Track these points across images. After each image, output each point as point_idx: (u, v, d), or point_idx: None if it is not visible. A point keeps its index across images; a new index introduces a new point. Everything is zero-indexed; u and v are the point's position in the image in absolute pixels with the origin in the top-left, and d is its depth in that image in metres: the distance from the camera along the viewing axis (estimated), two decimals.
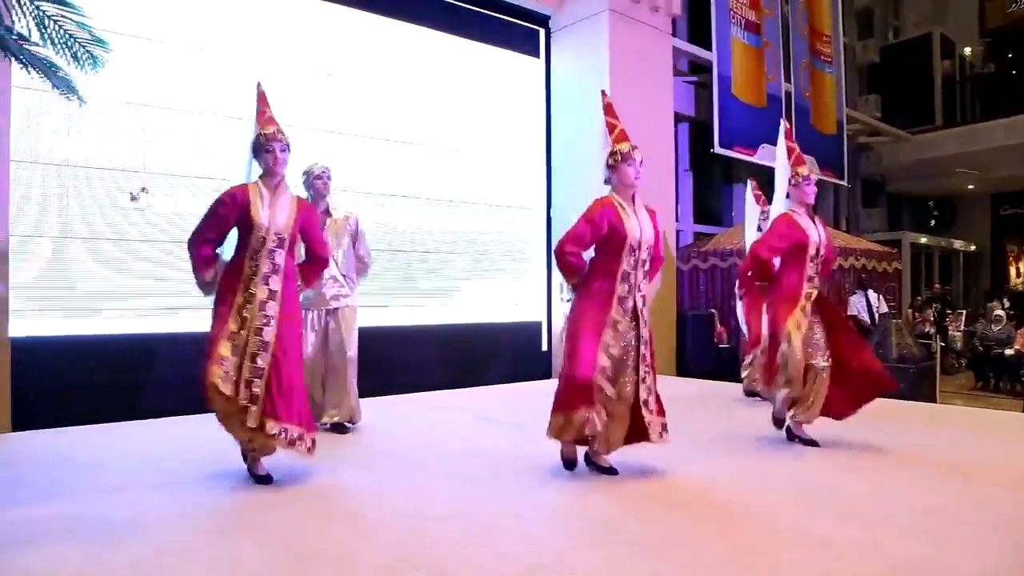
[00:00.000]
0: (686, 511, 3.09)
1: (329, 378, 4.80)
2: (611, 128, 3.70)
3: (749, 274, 4.61)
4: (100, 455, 4.10)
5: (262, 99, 3.69)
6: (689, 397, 6.39)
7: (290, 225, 3.56)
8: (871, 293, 9.90)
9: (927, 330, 12.15)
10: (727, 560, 2.51)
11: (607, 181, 3.65)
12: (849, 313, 9.82)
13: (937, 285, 17.22)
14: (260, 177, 3.61)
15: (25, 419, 4.88)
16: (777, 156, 4.65)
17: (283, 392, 3.42)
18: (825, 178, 13.16)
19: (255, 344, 3.39)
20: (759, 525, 2.90)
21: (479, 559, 2.54)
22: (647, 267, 3.64)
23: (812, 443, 4.35)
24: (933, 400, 7.90)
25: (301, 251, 3.97)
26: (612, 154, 3.61)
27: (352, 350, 4.83)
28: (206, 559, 2.53)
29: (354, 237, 4.92)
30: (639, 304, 3.59)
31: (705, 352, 8.76)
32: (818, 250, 4.34)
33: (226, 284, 3.49)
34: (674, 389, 7.03)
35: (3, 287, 4.92)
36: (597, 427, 3.49)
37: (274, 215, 3.51)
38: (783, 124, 4.83)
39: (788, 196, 4.48)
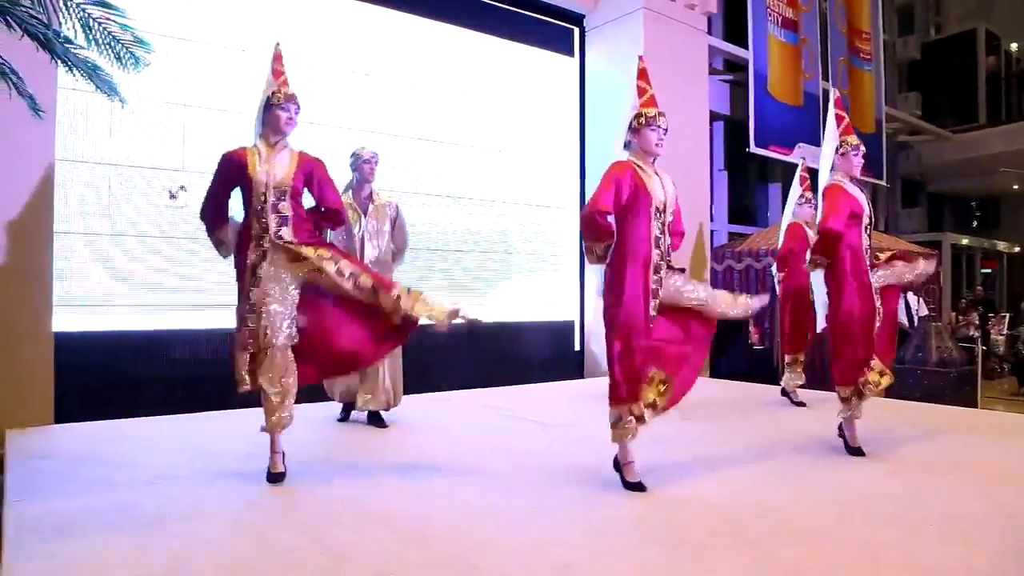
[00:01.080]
0: (719, 516, 3.06)
1: None
2: (642, 92, 3.56)
3: (813, 257, 4.29)
4: (141, 448, 4.18)
5: (278, 59, 3.66)
6: (723, 400, 6.33)
7: (290, 176, 3.52)
8: (910, 295, 9.70)
9: (969, 333, 11.89)
10: (762, 567, 2.48)
11: (627, 145, 3.53)
12: None
13: (979, 287, 16.85)
14: (260, 136, 3.60)
15: (67, 412, 4.99)
16: (827, 126, 4.50)
17: (326, 346, 3.47)
18: (863, 178, 12.95)
19: (274, 311, 3.38)
20: (795, 531, 2.86)
21: (511, 559, 2.54)
22: (672, 232, 3.54)
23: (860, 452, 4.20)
24: (974, 405, 7.72)
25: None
26: (637, 116, 3.48)
27: None
28: (242, 553, 2.56)
29: (393, 223, 4.98)
30: (666, 269, 3.43)
31: (739, 353, 8.68)
32: (871, 219, 4.22)
33: (239, 244, 3.52)
34: (708, 391, 6.97)
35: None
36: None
37: (272, 169, 3.48)
38: (833, 92, 4.67)
39: (833, 168, 4.34)
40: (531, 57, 8.46)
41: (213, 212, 3.56)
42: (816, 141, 11.15)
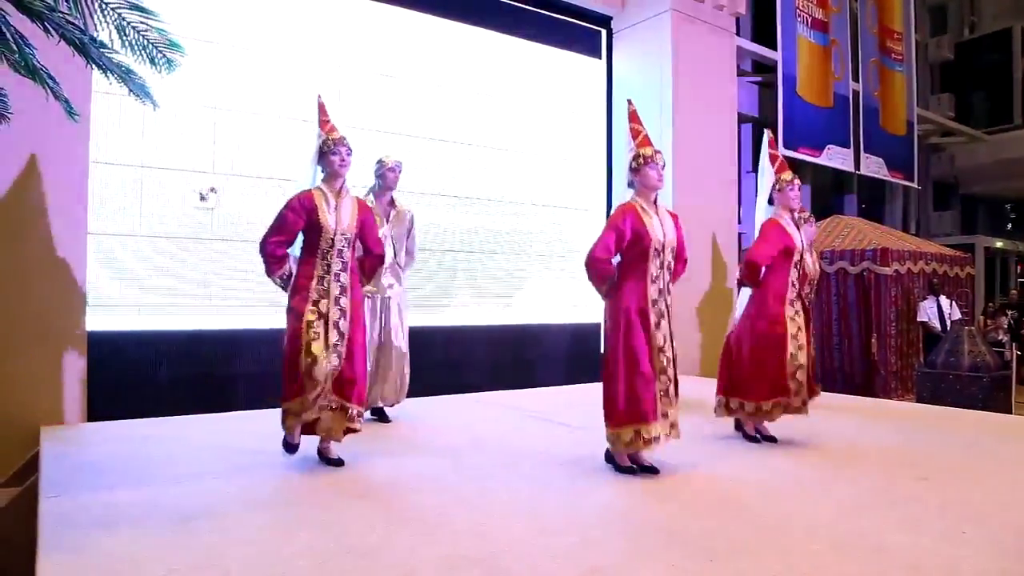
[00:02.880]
0: (745, 517, 3.03)
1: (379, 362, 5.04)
2: (635, 133, 3.85)
3: (740, 280, 4.78)
4: (172, 446, 4.24)
5: (322, 110, 3.98)
6: None
7: (353, 225, 3.86)
8: (943, 299, 9.56)
9: (1001, 338, 11.67)
10: (790, 570, 2.46)
11: (630, 184, 3.80)
12: (919, 319, 9.51)
13: (1014, 291, 16.52)
14: (323, 181, 3.88)
15: (100, 411, 5.07)
16: (761, 165, 4.75)
17: (353, 376, 3.75)
18: (894, 180, 12.78)
19: (334, 335, 3.69)
20: (822, 534, 2.82)
21: (538, 559, 2.54)
22: (671, 270, 3.80)
23: (771, 439, 4.49)
24: (1008, 411, 7.58)
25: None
26: (635, 157, 3.75)
27: (401, 336, 5.08)
28: (270, 551, 2.59)
29: (408, 230, 5.16)
30: (668, 305, 3.76)
31: None
32: (801, 255, 4.52)
33: (301, 283, 3.74)
34: None
35: None
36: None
37: (340, 217, 3.80)
38: (767, 134, 4.94)
39: (771, 202, 4.62)
40: (558, 59, 8.46)
41: (282, 251, 3.81)
42: (847, 143, 11.06)
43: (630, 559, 2.56)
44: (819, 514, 3.11)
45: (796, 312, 4.45)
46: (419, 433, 4.83)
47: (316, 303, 3.69)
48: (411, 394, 5.30)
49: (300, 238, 3.82)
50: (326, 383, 3.65)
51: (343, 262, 3.79)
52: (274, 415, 3.83)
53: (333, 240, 3.75)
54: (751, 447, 4.41)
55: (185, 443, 4.32)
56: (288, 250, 3.82)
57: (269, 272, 3.82)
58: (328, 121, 3.94)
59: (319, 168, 3.91)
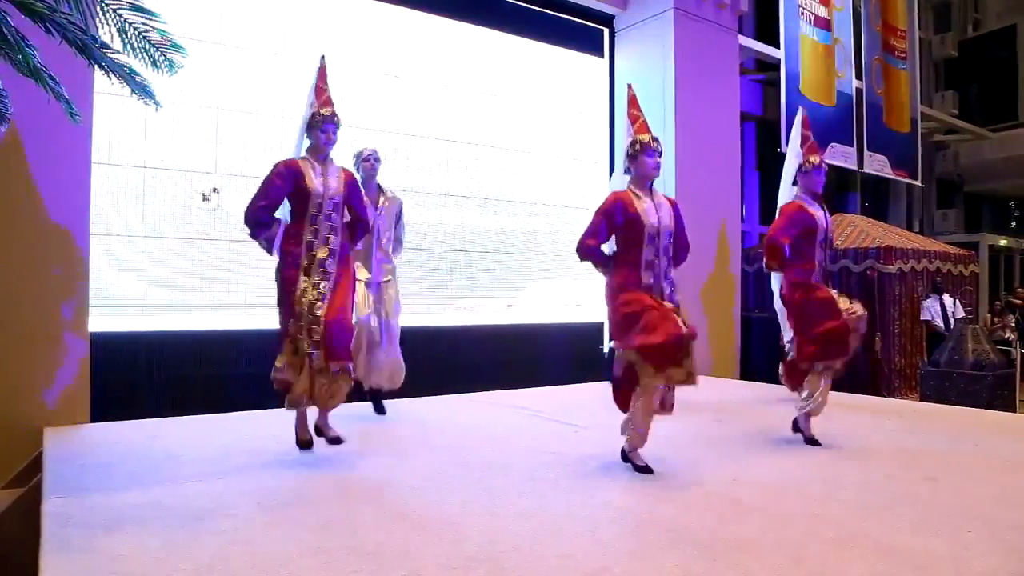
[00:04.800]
0: (752, 516, 3.02)
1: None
2: (634, 119, 3.83)
3: (765, 264, 4.72)
4: (177, 447, 4.23)
5: (321, 75, 3.97)
6: (753, 400, 6.26)
7: (341, 189, 3.92)
8: (946, 297, 9.53)
9: (1006, 336, 11.63)
10: (798, 570, 2.45)
11: (627, 171, 3.78)
12: (922, 318, 9.49)
13: (1020, 289, 16.46)
14: (308, 150, 3.92)
15: (103, 412, 5.07)
16: (790, 143, 4.67)
17: (340, 335, 3.73)
18: (898, 178, 12.74)
19: (315, 295, 3.72)
20: (828, 533, 2.81)
21: (543, 560, 2.53)
22: (671, 255, 3.75)
23: (814, 442, 4.35)
24: (1013, 409, 7.55)
25: None
26: (632, 143, 3.73)
27: (394, 324, 5.13)
28: (275, 552, 2.58)
29: (397, 217, 5.25)
30: (666, 290, 3.69)
31: (771, 355, 8.56)
32: (826, 236, 4.42)
33: (289, 249, 3.80)
34: (737, 392, 6.91)
35: None
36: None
37: (327, 182, 3.85)
38: (801, 111, 4.90)
39: (795, 183, 4.57)
40: (561, 58, 8.45)
41: (268, 215, 3.84)
42: (850, 141, 11.02)
43: (636, 559, 2.55)
44: (825, 513, 3.09)
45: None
46: (423, 433, 4.82)
47: (307, 270, 3.74)
48: (415, 393, 5.30)
49: (287, 205, 3.85)
50: (314, 347, 3.65)
51: (331, 226, 3.84)
52: (279, 415, 3.83)
53: (321, 204, 3.80)
54: (756, 446, 4.39)
55: (189, 444, 4.32)
56: (276, 215, 3.86)
57: (254, 235, 3.86)
58: (324, 90, 3.94)
59: (306, 137, 3.93)
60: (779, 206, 4.60)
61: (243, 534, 2.76)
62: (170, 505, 3.09)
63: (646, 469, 3.63)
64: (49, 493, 3.24)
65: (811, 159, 4.50)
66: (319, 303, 3.69)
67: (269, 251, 3.89)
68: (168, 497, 3.22)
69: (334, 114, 3.89)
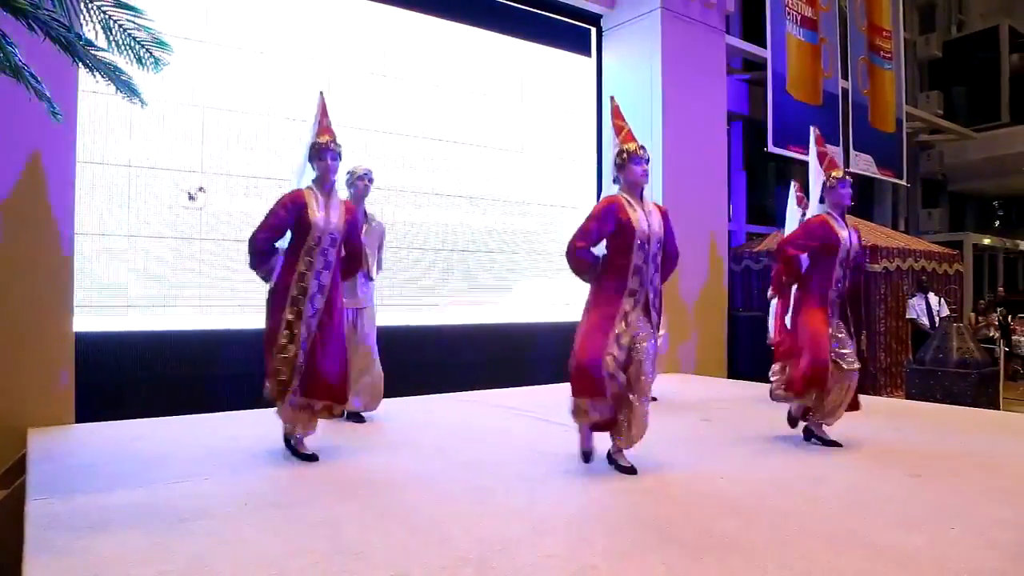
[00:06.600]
0: (738, 515, 3.03)
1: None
2: (619, 129, 3.87)
3: (783, 277, 4.57)
4: (163, 447, 4.20)
5: (322, 110, 4.02)
6: (740, 399, 6.29)
7: (341, 225, 3.94)
8: (931, 296, 9.61)
9: (990, 334, 11.73)
10: (784, 568, 2.46)
11: (615, 180, 3.79)
12: (908, 316, 9.56)
13: (1001, 288, 16.62)
14: (313, 181, 3.96)
15: (88, 412, 5.03)
16: (810, 163, 4.65)
17: (318, 371, 3.81)
18: (884, 177, 12.82)
19: (303, 331, 3.79)
20: (814, 531, 2.83)
21: (530, 559, 2.53)
22: (659, 262, 3.74)
23: (834, 444, 4.32)
24: (996, 407, 7.62)
25: None
26: (620, 153, 3.75)
27: (372, 344, 5.04)
28: (262, 552, 2.57)
29: (380, 243, 5.13)
30: (651, 296, 3.69)
31: (757, 354, 8.60)
32: (848, 253, 4.30)
33: (282, 279, 3.84)
34: (725, 391, 6.95)
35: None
36: (607, 415, 3.58)
37: (328, 216, 3.85)
38: (813, 131, 4.83)
39: (822, 200, 4.47)
40: (548, 57, 8.45)
41: (269, 245, 3.88)
42: (836, 140, 11.07)
43: (623, 558, 2.56)
44: (812, 511, 3.11)
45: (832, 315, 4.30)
46: (411, 432, 4.81)
47: (295, 300, 3.80)
48: (403, 393, 5.27)
49: (288, 235, 3.88)
50: (293, 377, 3.77)
51: (326, 261, 3.87)
52: (263, 415, 3.82)
53: (320, 238, 3.84)
54: (744, 446, 4.41)
55: (174, 444, 4.29)
56: (276, 245, 3.89)
57: (254, 265, 3.90)
58: (323, 122, 4.00)
59: (310, 166, 3.96)
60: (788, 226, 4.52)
61: (229, 535, 2.74)
62: (155, 506, 3.07)
63: (630, 470, 3.65)
64: (33, 494, 3.21)
65: (834, 174, 4.39)
66: (294, 346, 3.76)
67: (266, 280, 3.94)
68: (153, 498, 3.20)
69: (333, 142, 3.93)
